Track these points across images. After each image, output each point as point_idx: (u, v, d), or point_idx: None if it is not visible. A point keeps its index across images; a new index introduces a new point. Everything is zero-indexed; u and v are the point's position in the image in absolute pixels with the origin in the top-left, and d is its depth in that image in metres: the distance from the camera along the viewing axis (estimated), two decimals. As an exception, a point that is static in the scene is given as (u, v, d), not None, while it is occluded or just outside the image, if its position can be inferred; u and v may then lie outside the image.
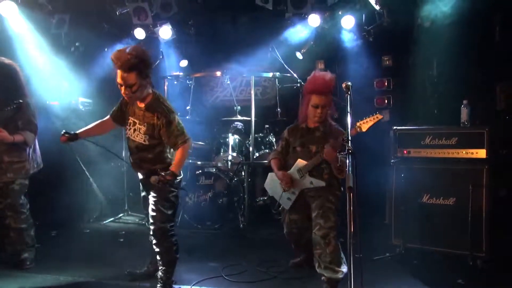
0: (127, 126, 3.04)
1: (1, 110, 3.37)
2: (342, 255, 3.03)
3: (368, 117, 2.88)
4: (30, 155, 3.61)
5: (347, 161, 2.06)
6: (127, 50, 2.70)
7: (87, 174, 5.37)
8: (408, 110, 5.29)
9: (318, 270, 3.04)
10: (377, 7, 4.86)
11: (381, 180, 5.12)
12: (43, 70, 5.17)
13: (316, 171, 3.14)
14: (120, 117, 3.15)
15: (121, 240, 4.61)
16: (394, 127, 4.00)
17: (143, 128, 2.91)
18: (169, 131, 2.86)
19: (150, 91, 2.94)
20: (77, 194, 5.16)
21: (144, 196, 3.20)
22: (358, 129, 2.88)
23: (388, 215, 4.08)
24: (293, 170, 3.24)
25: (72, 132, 3.08)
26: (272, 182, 3.44)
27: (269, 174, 3.52)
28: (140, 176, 3.14)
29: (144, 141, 2.92)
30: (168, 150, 3.01)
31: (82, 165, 5.28)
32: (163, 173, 2.76)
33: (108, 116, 3.22)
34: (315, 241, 3.02)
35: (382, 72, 5.57)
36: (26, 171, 3.57)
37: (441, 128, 3.85)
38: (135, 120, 2.96)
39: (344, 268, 2.97)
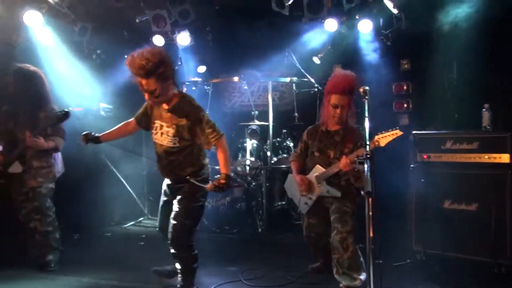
0: (153, 131, 2.94)
1: (32, 116, 3.49)
2: (362, 260, 3.00)
3: (387, 131, 2.84)
4: (56, 160, 3.73)
5: (365, 165, 2.06)
6: (142, 55, 2.59)
7: (118, 175, 5.45)
8: (427, 114, 5.22)
9: (336, 277, 3.02)
10: (395, 11, 4.82)
11: (400, 185, 5.06)
12: (66, 77, 5.32)
13: (333, 178, 3.13)
14: (145, 121, 3.06)
15: (142, 243, 4.68)
16: (414, 132, 3.95)
17: (171, 131, 2.80)
18: (201, 129, 2.76)
19: (175, 91, 2.84)
20: (98, 198, 5.26)
21: (165, 201, 3.11)
22: (376, 143, 2.83)
23: (409, 220, 4.02)
24: (311, 176, 3.24)
25: (94, 134, 3.06)
26: (291, 184, 3.47)
27: (289, 175, 3.54)
28: (169, 181, 3.04)
29: (174, 143, 2.81)
30: (199, 152, 2.92)
31: (111, 166, 5.37)
32: (216, 181, 2.66)
33: (132, 119, 3.15)
34: (333, 245, 3.00)
35: (400, 76, 5.51)
36: (53, 176, 3.69)
37: (462, 132, 3.78)
38: (162, 123, 2.85)
39: (362, 276, 2.94)
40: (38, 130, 3.44)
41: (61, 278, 3.48)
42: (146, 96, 2.74)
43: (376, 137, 2.84)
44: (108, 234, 5.05)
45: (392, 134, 2.82)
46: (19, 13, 4.77)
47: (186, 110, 2.79)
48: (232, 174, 3.00)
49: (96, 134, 3.09)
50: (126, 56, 5.41)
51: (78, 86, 5.52)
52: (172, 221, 2.90)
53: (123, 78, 5.70)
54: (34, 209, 3.58)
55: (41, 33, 5.02)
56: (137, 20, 5.43)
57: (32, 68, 3.62)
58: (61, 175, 3.85)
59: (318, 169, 3.19)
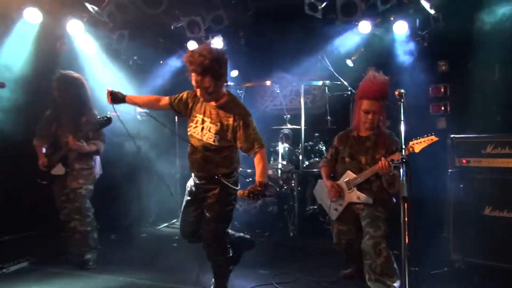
0: (191, 123, 2.89)
1: (75, 121, 3.65)
2: (395, 266, 2.92)
3: (423, 137, 2.78)
4: (96, 162, 3.88)
5: (401, 170, 2.01)
6: (201, 52, 2.57)
7: (155, 175, 5.57)
8: (466, 117, 5.03)
9: (368, 283, 2.95)
10: (432, 11, 4.68)
11: (437, 191, 4.90)
12: (105, 82, 5.52)
13: (365, 184, 3.08)
14: (180, 107, 2.98)
15: (175, 245, 4.77)
16: (452, 136, 3.82)
17: (214, 128, 2.76)
18: (246, 134, 2.72)
19: (225, 90, 2.82)
20: (134, 199, 5.41)
21: (188, 201, 3.05)
22: (411, 149, 2.78)
23: (446, 227, 3.88)
24: (341, 181, 3.21)
25: (120, 93, 2.98)
26: (321, 190, 3.44)
27: (319, 181, 3.52)
28: (197, 180, 2.98)
29: (214, 141, 2.77)
30: (235, 155, 2.91)
31: (148, 163, 5.50)
32: (252, 187, 2.61)
33: (167, 98, 3.06)
34: (365, 250, 2.95)
35: (437, 78, 5.35)
36: (93, 178, 3.84)
37: (505, 136, 3.62)
38: (206, 119, 2.81)
39: (396, 283, 2.85)
40: (81, 134, 3.59)
41: (98, 277, 3.61)
42: (199, 92, 2.70)
43: (411, 143, 2.79)
44: (143, 235, 5.17)
45: (427, 140, 2.76)
46: (62, 22, 5.01)
47: (235, 111, 2.76)
48: (269, 183, 2.97)
49: (122, 94, 3.01)
50: (161, 62, 5.56)
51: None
52: (206, 227, 2.91)
53: (158, 83, 5.90)
54: (75, 209, 3.73)
55: (82, 41, 5.25)
56: (172, 27, 5.56)
57: (75, 74, 3.80)
58: (99, 177, 3.99)
59: (349, 175, 3.15)
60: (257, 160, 2.76)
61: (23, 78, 4.61)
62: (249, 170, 5.45)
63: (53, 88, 3.73)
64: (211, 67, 2.57)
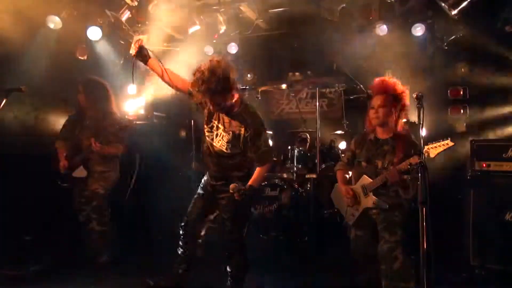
0: (207, 127, 2.90)
1: (97, 124, 3.72)
2: (413, 272, 2.85)
3: (438, 141, 2.70)
4: (116, 164, 3.94)
5: (419, 174, 1.98)
6: (205, 76, 2.52)
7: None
8: (485, 120, 4.95)
9: None
10: (451, 13, 4.61)
11: (456, 195, 4.81)
12: (123, 87, 5.62)
13: (381, 189, 3.01)
14: (198, 102, 2.92)
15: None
16: (472, 139, 3.76)
17: (226, 136, 2.79)
18: (256, 145, 2.75)
19: (237, 98, 2.79)
20: (151, 201, 5.45)
21: (200, 194, 3.08)
22: (426, 154, 2.68)
23: (465, 233, 3.81)
24: (357, 186, 3.15)
25: (147, 50, 2.90)
26: (338, 194, 3.38)
27: (336, 185, 3.47)
28: (212, 180, 3.02)
29: (226, 149, 2.83)
30: (248, 159, 2.93)
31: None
32: (243, 188, 2.66)
33: (189, 83, 2.82)
34: (380, 255, 2.90)
35: (456, 81, 5.27)
36: (113, 180, 3.90)
37: (526, 139, 3.55)
38: (220, 126, 2.83)
39: None
40: (103, 137, 3.67)
41: (115, 278, 3.64)
42: (212, 107, 2.73)
43: (426, 148, 2.70)
44: (160, 237, 5.20)
45: (443, 145, 2.67)
46: (82, 29, 5.13)
47: (247, 121, 2.78)
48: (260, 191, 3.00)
49: (148, 51, 2.92)
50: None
51: (133, 96, 5.81)
52: (224, 228, 2.96)
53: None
54: (93, 210, 3.80)
55: (101, 46, 5.36)
56: (190, 31, 5.62)
57: (99, 79, 3.89)
58: (117, 179, 4.04)
59: (365, 180, 3.08)
60: (258, 169, 2.83)
61: (43, 84, 4.71)
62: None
63: (77, 92, 3.83)
64: (220, 88, 2.56)
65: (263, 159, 2.81)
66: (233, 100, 2.76)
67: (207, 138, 2.92)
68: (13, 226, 4.21)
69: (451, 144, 2.67)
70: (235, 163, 2.90)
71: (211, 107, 2.75)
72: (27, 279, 3.59)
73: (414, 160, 2.63)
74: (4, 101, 2.96)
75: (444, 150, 2.67)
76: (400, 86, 3.01)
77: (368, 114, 3.14)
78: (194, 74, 2.62)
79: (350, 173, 3.42)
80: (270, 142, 2.92)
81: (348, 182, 3.32)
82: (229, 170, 2.91)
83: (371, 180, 3.03)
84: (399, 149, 2.96)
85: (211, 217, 3.21)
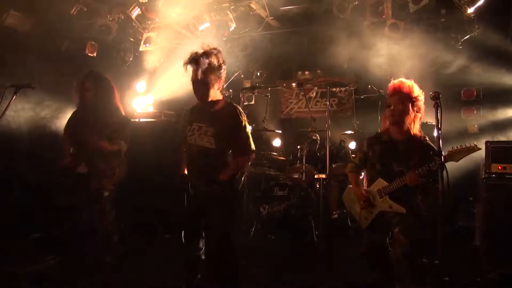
0: (188, 133, 2.88)
1: (101, 121, 3.69)
2: (426, 276, 2.80)
3: (462, 146, 2.60)
4: (120, 163, 3.89)
5: (438, 176, 1.91)
6: (206, 56, 2.70)
7: None
8: (499, 122, 4.85)
9: None
10: (466, 11, 4.51)
11: (469, 197, 4.73)
12: (132, 87, 5.64)
13: (397, 192, 2.91)
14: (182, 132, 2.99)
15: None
16: (487, 141, 3.67)
17: (211, 130, 2.77)
18: (240, 135, 2.77)
19: (221, 96, 2.89)
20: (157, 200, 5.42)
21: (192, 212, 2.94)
22: (449, 158, 2.61)
23: (479, 236, 3.73)
24: (372, 189, 3.05)
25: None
26: (350, 197, 3.28)
27: (348, 187, 3.38)
28: (195, 186, 2.89)
29: (211, 144, 2.76)
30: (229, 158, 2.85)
31: None
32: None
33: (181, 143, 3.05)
34: (395, 258, 2.82)
35: (470, 81, 5.17)
36: (117, 178, 3.84)
37: (544, 141, 3.45)
38: (201, 125, 2.83)
39: None
40: (105, 134, 3.63)
41: (119, 278, 3.59)
42: (195, 87, 2.80)
43: (449, 151, 2.62)
44: (166, 236, 5.15)
45: (468, 150, 2.58)
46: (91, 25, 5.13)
47: (233, 113, 2.81)
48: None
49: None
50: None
51: (142, 95, 5.82)
52: (211, 232, 2.85)
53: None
54: (96, 210, 3.74)
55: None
56: (200, 28, 5.59)
57: (103, 74, 3.84)
58: (123, 178, 3.99)
59: (380, 183, 2.97)
60: (239, 160, 2.82)
61: (52, 80, 4.72)
62: (273, 173, 5.41)
63: (82, 87, 3.78)
64: (213, 68, 2.72)
65: (247, 149, 2.81)
66: (218, 96, 2.84)
67: (189, 141, 2.87)
68: (20, 224, 4.22)
69: (477, 149, 2.57)
70: (221, 162, 2.81)
71: (195, 89, 2.79)
72: (30, 277, 3.57)
73: (434, 163, 2.54)
74: (14, 97, 2.93)
75: (469, 154, 2.59)
76: (417, 88, 2.95)
77: (384, 113, 3.07)
78: (198, 55, 2.72)
79: (363, 174, 3.34)
80: (251, 137, 2.84)
81: (361, 183, 3.24)
82: (214, 171, 2.80)
83: (387, 184, 2.93)
84: (415, 151, 2.88)
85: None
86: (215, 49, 2.77)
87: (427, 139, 2.93)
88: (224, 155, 2.84)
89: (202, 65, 2.70)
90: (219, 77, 2.80)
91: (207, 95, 2.80)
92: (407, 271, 2.74)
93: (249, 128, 2.84)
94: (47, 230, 4.52)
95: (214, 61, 2.72)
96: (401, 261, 2.76)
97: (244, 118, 2.82)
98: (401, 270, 2.77)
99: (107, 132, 3.65)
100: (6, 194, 4.34)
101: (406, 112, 2.89)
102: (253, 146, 2.84)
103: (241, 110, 2.88)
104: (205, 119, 2.85)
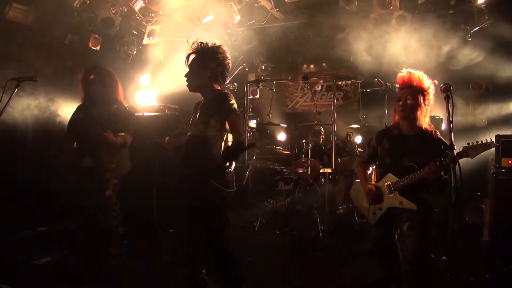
0: (189, 127, 2.84)
1: (105, 113, 3.66)
2: (434, 274, 2.72)
3: (478, 142, 2.53)
4: (124, 157, 3.87)
5: (450, 171, 1.84)
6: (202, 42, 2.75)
7: None
8: (509, 115, 4.76)
9: None
10: (477, 2, 4.40)
11: (477, 192, 4.66)
12: (135, 78, 5.60)
13: (408, 188, 2.82)
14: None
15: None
16: (497, 135, 3.60)
17: (201, 117, 2.70)
18: (234, 120, 2.62)
19: (218, 87, 2.79)
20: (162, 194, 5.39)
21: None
22: (464, 154, 2.53)
23: (488, 232, 3.67)
24: (381, 185, 2.98)
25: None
26: (358, 192, 3.20)
27: (355, 182, 3.30)
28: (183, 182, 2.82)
29: (200, 131, 2.68)
30: (220, 151, 2.70)
31: None
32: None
33: None
34: (404, 256, 2.77)
35: (479, 74, 5.08)
36: (120, 171, 3.83)
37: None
38: (197, 116, 2.78)
39: None
40: (109, 126, 3.60)
41: (123, 270, 3.58)
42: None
43: (465, 148, 2.55)
44: (171, 230, 5.13)
45: (485, 146, 2.50)
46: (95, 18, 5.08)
47: (221, 100, 2.67)
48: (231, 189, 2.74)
49: None
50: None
51: (146, 88, 5.78)
52: (206, 230, 2.73)
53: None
54: (101, 202, 3.73)
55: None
56: (204, 21, 5.52)
57: (107, 69, 3.81)
58: (127, 171, 3.97)
59: (390, 178, 2.89)
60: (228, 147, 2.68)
61: (56, 73, 4.69)
62: (278, 168, 5.37)
63: (86, 81, 3.76)
64: (202, 54, 2.73)
65: (241, 133, 2.73)
66: (211, 86, 2.77)
67: (188, 134, 2.79)
68: (26, 217, 4.22)
69: (494, 145, 2.49)
70: (208, 149, 2.66)
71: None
72: (36, 270, 3.57)
73: (447, 157, 2.47)
74: (15, 90, 2.91)
75: (485, 150, 2.51)
76: (427, 79, 2.85)
77: (393, 107, 2.98)
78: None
79: (371, 168, 3.27)
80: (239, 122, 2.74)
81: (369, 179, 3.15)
82: (201, 160, 2.67)
83: (397, 179, 2.85)
84: (427, 146, 2.78)
85: None
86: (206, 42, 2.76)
87: (438, 133, 2.84)
88: (214, 142, 2.68)
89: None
90: (211, 69, 2.73)
91: (193, 86, 2.79)
92: (416, 268, 2.68)
93: (235, 108, 2.67)
94: (53, 224, 4.53)
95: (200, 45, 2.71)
96: (414, 258, 2.68)
97: (232, 101, 2.67)
98: (412, 267, 2.70)
99: (111, 125, 3.62)
100: (12, 188, 4.33)
101: (417, 106, 2.81)
102: (241, 131, 2.71)
103: (231, 94, 2.74)
104: (200, 110, 2.79)
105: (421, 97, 2.80)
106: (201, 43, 2.76)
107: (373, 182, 3.08)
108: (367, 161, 3.17)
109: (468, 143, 2.56)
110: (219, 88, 2.81)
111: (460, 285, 3.16)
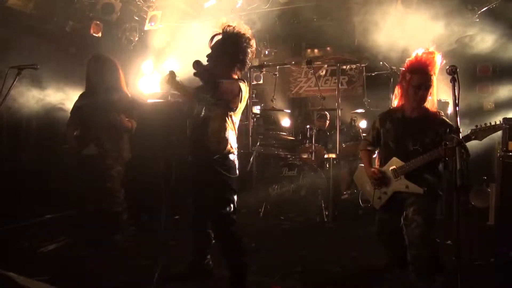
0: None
1: (107, 100, 3.66)
2: (440, 259, 2.69)
3: (487, 124, 2.46)
4: (126, 144, 3.88)
5: (457, 156, 1.81)
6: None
7: None
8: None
9: (412, 275, 2.72)
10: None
11: (482, 176, 4.63)
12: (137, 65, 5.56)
13: (414, 172, 2.75)
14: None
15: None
16: (504, 118, 3.54)
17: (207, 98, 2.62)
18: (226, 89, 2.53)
19: (235, 75, 2.72)
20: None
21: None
22: (473, 137, 2.48)
23: (493, 215, 3.65)
24: (386, 169, 2.90)
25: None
26: (362, 176, 3.14)
27: (360, 166, 3.25)
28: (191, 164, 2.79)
29: (204, 110, 2.64)
30: (227, 130, 2.65)
31: None
32: None
33: None
34: (410, 240, 2.73)
35: (486, 56, 4.98)
36: (123, 159, 3.84)
37: None
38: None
39: (442, 275, 2.61)
40: (113, 112, 3.62)
41: (128, 258, 3.60)
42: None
43: (473, 130, 2.49)
44: (176, 217, 5.16)
45: (494, 128, 2.44)
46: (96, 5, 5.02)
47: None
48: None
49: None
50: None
51: (148, 75, 5.74)
52: (212, 212, 2.74)
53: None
54: (105, 190, 3.76)
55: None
56: (205, 5, 5.44)
57: (109, 57, 3.80)
58: (130, 159, 3.97)
59: (395, 162, 2.83)
60: None
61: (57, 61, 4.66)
62: (282, 153, 5.34)
63: (87, 69, 3.76)
64: (226, 37, 2.66)
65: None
66: (229, 74, 2.70)
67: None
68: (32, 205, 4.25)
69: (503, 127, 2.46)
70: (213, 130, 2.63)
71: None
72: (42, 256, 3.61)
73: (452, 140, 2.42)
74: (16, 78, 2.90)
75: (495, 132, 2.47)
76: (440, 57, 2.71)
77: (403, 91, 2.83)
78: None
79: (376, 152, 3.19)
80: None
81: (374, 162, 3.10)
82: (207, 139, 2.63)
83: (403, 163, 2.79)
84: (430, 128, 2.70)
85: None
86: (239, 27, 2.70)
87: (442, 114, 2.77)
88: (218, 122, 2.63)
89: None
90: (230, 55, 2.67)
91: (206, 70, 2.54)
92: (423, 253, 2.64)
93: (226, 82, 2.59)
94: (58, 211, 4.56)
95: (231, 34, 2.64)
96: (417, 243, 2.66)
97: (243, 90, 2.62)
98: (417, 252, 2.67)
99: (118, 112, 3.64)
100: (17, 176, 4.36)
101: (431, 90, 2.72)
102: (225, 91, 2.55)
103: (244, 82, 2.68)
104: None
105: (434, 79, 2.71)
106: (228, 25, 2.68)
107: (376, 166, 3.02)
108: (372, 144, 3.09)
109: (477, 125, 2.49)
110: (235, 76, 2.73)
111: (465, 269, 3.15)
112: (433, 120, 2.72)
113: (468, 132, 2.50)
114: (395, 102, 2.95)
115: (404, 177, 2.80)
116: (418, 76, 2.72)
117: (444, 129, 2.65)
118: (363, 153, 3.14)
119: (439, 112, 2.79)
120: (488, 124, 2.47)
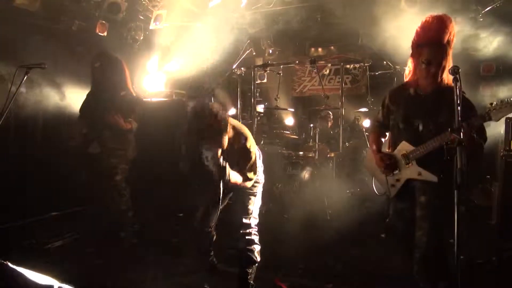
0: None
1: (113, 99, 3.69)
2: (445, 260, 2.44)
3: (504, 101, 2.13)
4: (130, 143, 3.91)
5: (457, 153, 1.81)
6: None
7: None
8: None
9: (416, 276, 2.51)
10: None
11: (485, 174, 4.63)
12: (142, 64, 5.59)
13: (427, 156, 2.39)
14: None
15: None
16: (507, 117, 3.55)
17: None
18: None
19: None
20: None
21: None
22: (487, 117, 2.15)
23: (496, 214, 3.66)
24: (396, 154, 2.55)
25: None
26: (372, 162, 2.73)
27: (369, 151, 2.86)
28: None
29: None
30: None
31: None
32: None
33: None
34: (416, 243, 2.46)
35: (490, 55, 4.98)
36: (127, 157, 3.88)
37: None
38: None
39: (444, 280, 2.41)
40: (117, 112, 3.65)
41: (134, 255, 3.64)
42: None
43: (489, 109, 2.16)
44: (180, 214, 5.19)
45: (509, 106, 2.10)
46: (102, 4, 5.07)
47: None
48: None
49: None
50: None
51: (153, 74, 5.78)
52: (233, 218, 2.82)
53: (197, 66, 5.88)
54: (109, 188, 3.79)
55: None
56: (210, 5, 5.47)
57: (114, 55, 3.83)
58: (135, 157, 4.01)
59: (405, 146, 2.49)
60: None
61: (64, 60, 4.71)
62: (286, 152, 5.37)
63: (92, 67, 3.79)
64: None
65: None
66: None
67: None
68: (39, 202, 4.30)
69: None
70: None
71: None
72: (49, 253, 3.66)
73: (473, 119, 2.13)
74: (24, 77, 2.94)
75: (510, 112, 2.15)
76: (453, 28, 2.33)
77: (414, 66, 2.44)
78: None
79: (387, 134, 2.80)
80: None
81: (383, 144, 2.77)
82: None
83: (413, 148, 2.44)
84: (445, 104, 2.28)
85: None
86: None
87: (463, 93, 2.24)
88: None
89: None
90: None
91: None
92: (427, 257, 2.41)
93: None
94: (65, 209, 4.62)
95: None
96: (422, 248, 2.41)
97: None
98: (421, 255, 2.42)
99: (119, 111, 3.67)
100: (24, 174, 4.42)
101: (445, 64, 2.32)
102: None
103: None
104: None
105: (449, 47, 2.33)
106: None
107: (387, 150, 2.68)
108: (383, 124, 2.71)
109: (491, 103, 2.16)
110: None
111: (467, 267, 3.18)
112: (450, 96, 2.16)
113: (482, 112, 2.20)
114: (408, 76, 2.54)
115: (416, 163, 2.46)
116: (428, 50, 2.33)
117: (464, 109, 2.09)
118: (372, 136, 2.78)
119: (456, 85, 2.18)
120: (505, 101, 2.13)
